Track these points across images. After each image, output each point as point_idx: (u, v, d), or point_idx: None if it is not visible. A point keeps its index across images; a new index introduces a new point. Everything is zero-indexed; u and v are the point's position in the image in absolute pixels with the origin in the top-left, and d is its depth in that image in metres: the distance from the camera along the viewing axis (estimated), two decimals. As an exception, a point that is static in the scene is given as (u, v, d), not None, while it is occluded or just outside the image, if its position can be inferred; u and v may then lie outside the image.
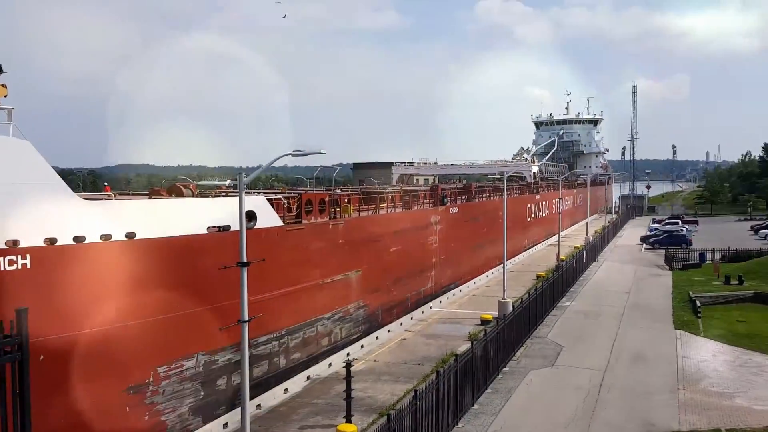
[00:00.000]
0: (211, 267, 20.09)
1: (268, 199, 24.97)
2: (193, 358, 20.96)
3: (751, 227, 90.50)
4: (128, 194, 28.97)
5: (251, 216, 22.81)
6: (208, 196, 24.48)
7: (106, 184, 36.23)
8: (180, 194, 23.45)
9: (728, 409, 23.55)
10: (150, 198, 23.17)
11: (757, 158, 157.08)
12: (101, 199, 21.26)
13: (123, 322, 18.67)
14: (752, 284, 47.03)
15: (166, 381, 20.14)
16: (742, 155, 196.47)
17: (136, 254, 19.17)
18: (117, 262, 18.73)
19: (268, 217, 24.28)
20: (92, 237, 18.18)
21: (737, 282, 47.47)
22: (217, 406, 22.04)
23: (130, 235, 18.97)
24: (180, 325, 20.15)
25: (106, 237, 18.44)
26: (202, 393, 21.40)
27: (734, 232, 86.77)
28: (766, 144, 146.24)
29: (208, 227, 21.58)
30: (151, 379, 19.71)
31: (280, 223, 25.08)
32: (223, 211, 22.15)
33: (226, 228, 21.88)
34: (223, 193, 26.39)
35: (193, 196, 23.66)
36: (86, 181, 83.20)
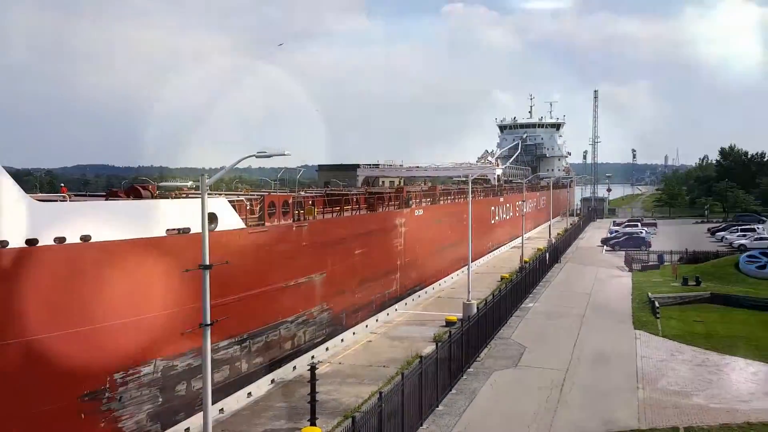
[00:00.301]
0: (170, 270, 19.69)
1: (230, 201, 24.61)
2: (151, 363, 20.50)
3: (708, 230, 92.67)
4: (85, 195, 28.29)
5: (212, 218, 22.43)
6: (168, 198, 24.01)
7: (62, 185, 35.30)
8: (138, 195, 22.94)
9: (686, 407, 23.99)
10: (107, 199, 22.63)
11: (714, 162, 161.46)
12: (56, 201, 20.69)
13: (77, 328, 18.17)
14: (709, 285, 48.18)
15: (123, 387, 19.65)
16: (700, 159, 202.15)
17: (92, 257, 18.68)
18: (71, 265, 18.22)
19: (230, 220, 23.92)
20: (45, 240, 17.66)
21: (694, 283, 48.57)
22: (176, 411, 21.60)
23: (85, 238, 18.48)
24: (137, 330, 19.70)
25: (60, 240, 17.93)
26: (161, 399, 20.94)
27: (692, 234, 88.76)
28: (722, 149, 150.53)
29: (167, 229, 21.14)
30: (108, 386, 19.22)
31: (242, 225, 24.74)
32: (183, 213, 21.75)
33: (186, 230, 21.48)
34: (184, 195, 25.94)
35: (152, 198, 23.18)
36: (43, 182, 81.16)
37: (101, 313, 18.86)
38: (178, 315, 20.35)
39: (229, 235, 23.48)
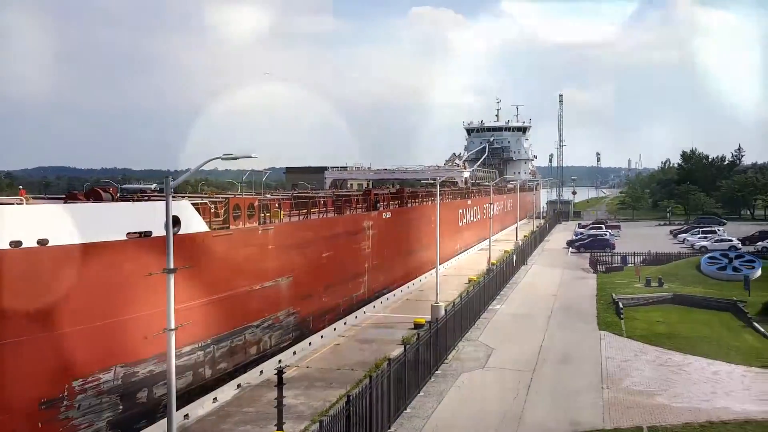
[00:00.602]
0: (131, 275, 19.26)
1: (194, 204, 24.20)
2: (110, 370, 20.01)
3: (671, 232, 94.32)
4: (44, 198, 27.58)
5: (175, 221, 22.00)
6: (129, 201, 23.51)
7: (21, 187, 34.34)
8: (99, 198, 22.43)
9: (650, 407, 24.28)
10: (66, 202, 22.05)
11: (676, 166, 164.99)
12: (12, 204, 20.09)
13: (34, 334, 17.63)
14: (671, 286, 48.97)
15: (82, 395, 19.15)
16: (662, 163, 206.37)
17: (49, 262, 18.16)
18: (27, 270, 17.68)
19: (193, 223, 23.51)
20: (1, 244, 17.11)
21: (657, 284, 49.32)
22: (137, 419, 21.12)
23: (42, 242, 17.96)
24: (96, 336, 19.21)
25: (15, 243, 17.39)
26: (121, 407, 20.46)
27: (654, 236, 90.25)
28: (684, 152, 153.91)
29: (128, 233, 20.68)
30: (66, 393, 18.70)
31: (206, 228, 24.34)
32: (144, 216, 21.30)
33: (148, 234, 21.03)
34: (146, 197, 25.44)
35: (113, 200, 22.67)
36: (2, 184, 79.09)
37: (59, 318, 18.35)
38: (138, 320, 19.91)
39: (192, 238, 23.07)
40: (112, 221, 20.34)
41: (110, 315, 19.62)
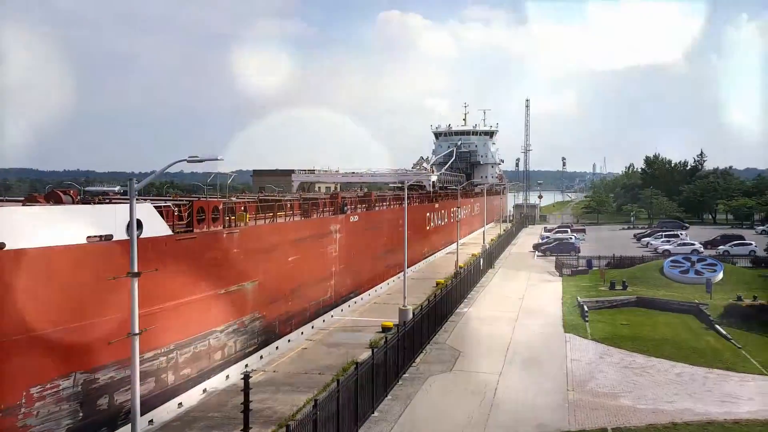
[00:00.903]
0: (91, 279, 18.81)
1: (157, 207, 23.75)
2: (70, 377, 19.49)
3: (634, 236, 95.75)
4: (2, 201, 26.77)
5: (136, 225, 21.55)
6: (90, 203, 22.95)
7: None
8: (59, 201, 21.84)
9: (614, 408, 24.59)
10: (24, 205, 21.43)
11: (639, 170, 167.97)
12: None
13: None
14: (635, 289, 49.81)
15: (40, 402, 18.61)
16: (626, 167, 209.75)
17: (6, 266, 17.62)
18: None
19: (156, 226, 23.06)
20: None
21: (621, 287, 50.09)
22: (98, 426, 20.60)
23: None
24: (55, 342, 18.69)
25: (-31, 247, 16.84)
26: (81, 414, 19.94)
27: (619, 240, 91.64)
28: (647, 157, 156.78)
29: (88, 236, 20.18)
30: (24, 401, 18.14)
31: (168, 231, 23.89)
32: (105, 220, 20.82)
33: (109, 237, 20.56)
34: (107, 200, 24.87)
35: (73, 203, 22.11)
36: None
37: (16, 324, 17.80)
38: (97, 326, 19.45)
39: (155, 241, 22.63)
40: (71, 224, 19.83)
41: (70, 320, 19.10)
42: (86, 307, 19.56)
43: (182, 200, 28.38)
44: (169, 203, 25.53)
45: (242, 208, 31.40)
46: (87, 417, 20.13)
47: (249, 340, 29.91)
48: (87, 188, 23.88)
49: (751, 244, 72.49)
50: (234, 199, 35.50)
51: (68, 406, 19.49)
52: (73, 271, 19.40)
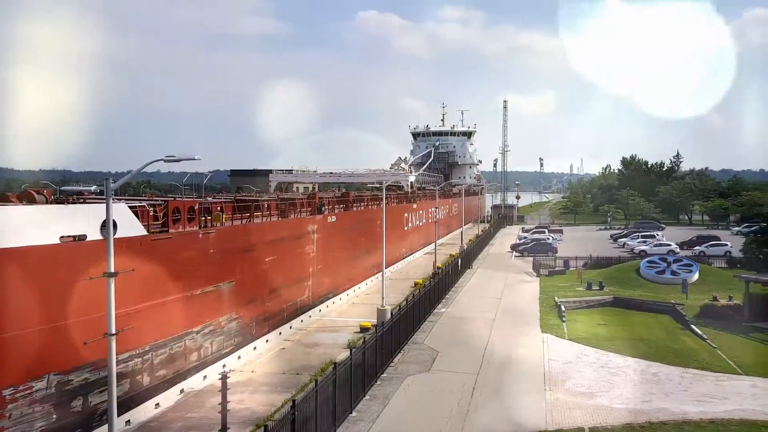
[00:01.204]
0: (64, 280, 18.49)
1: (131, 207, 23.44)
2: (43, 378, 19.14)
3: (611, 236, 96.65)
4: None
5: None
6: (64, 203, 22.57)
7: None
8: (32, 200, 21.47)
9: (591, 408, 24.75)
10: None
11: (616, 171, 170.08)
12: None
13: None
14: (612, 289, 50.25)
15: (12, 404, 18.26)
16: (603, 168, 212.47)
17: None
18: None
19: (130, 226, 22.74)
20: None
21: (598, 288, 50.49)
22: (72, 428, 20.27)
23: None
24: (27, 343, 18.35)
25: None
26: (55, 416, 19.60)
27: (595, 240, 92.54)
28: (624, 158, 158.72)
29: (61, 236, 19.85)
30: None
31: (143, 232, 23.60)
32: (79, 219, 20.49)
33: (83, 237, 20.24)
34: (81, 200, 24.49)
35: (47, 203, 21.74)
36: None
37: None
38: (70, 327, 19.13)
39: (129, 242, 22.31)
40: (44, 224, 19.49)
41: (43, 321, 18.77)
42: (60, 308, 19.23)
43: (157, 200, 28.06)
44: (144, 203, 25.23)
45: (218, 208, 31.14)
46: (61, 419, 19.80)
47: (226, 340, 29.65)
48: (63, 188, 23.48)
49: (726, 244, 73.29)
50: (210, 199, 35.17)
51: (42, 408, 19.17)
52: (46, 271, 19.07)
